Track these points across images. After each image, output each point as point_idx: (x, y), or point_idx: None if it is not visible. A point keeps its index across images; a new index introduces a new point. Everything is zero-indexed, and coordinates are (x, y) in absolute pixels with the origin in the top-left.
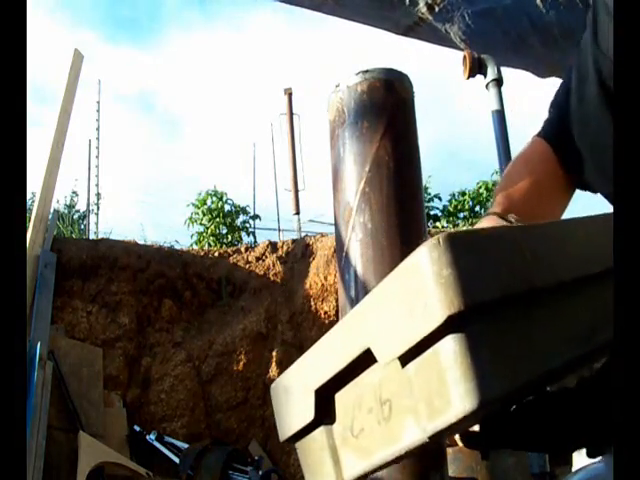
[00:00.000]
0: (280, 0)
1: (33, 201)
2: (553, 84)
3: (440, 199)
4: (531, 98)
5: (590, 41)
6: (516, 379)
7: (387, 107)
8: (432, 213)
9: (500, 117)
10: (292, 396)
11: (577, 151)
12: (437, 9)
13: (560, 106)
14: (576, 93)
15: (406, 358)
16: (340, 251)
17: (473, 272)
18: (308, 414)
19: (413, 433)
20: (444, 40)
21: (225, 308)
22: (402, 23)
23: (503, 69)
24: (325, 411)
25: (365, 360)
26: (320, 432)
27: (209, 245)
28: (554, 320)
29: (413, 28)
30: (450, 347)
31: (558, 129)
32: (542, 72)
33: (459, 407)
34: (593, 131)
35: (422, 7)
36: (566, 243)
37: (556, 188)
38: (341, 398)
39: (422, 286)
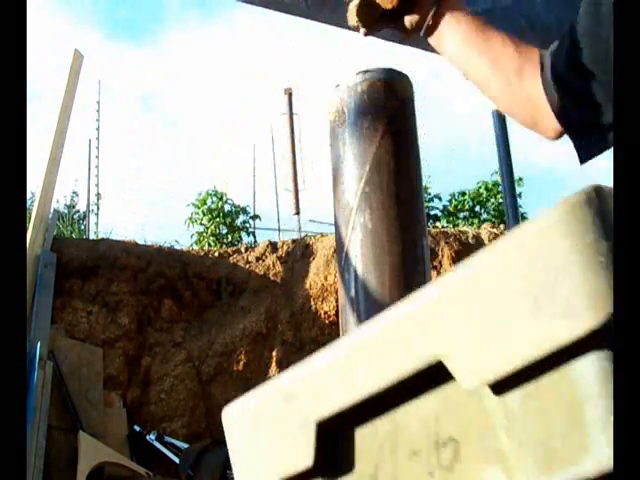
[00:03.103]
0: (275, 9)
1: (33, 201)
2: None
3: (440, 199)
4: None
5: None
6: None
7: (387, 107)
8: (432, 213)
9: (500, 117)
10: (270, 430)
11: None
12: None
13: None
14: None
15: (509, 383)
16: (340, 251)
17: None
18: (306, 457)
19: None
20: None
21: (225, 308)
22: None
23: None
24: (332, 455)
25: (425, 379)
26: None
27: (209, 245)
28: None
29: (410, 35)
30: (596, 370)
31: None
32: None
33: (602, 458)
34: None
35: None
36: None
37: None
38: (363, 438)
39: (559, 268)
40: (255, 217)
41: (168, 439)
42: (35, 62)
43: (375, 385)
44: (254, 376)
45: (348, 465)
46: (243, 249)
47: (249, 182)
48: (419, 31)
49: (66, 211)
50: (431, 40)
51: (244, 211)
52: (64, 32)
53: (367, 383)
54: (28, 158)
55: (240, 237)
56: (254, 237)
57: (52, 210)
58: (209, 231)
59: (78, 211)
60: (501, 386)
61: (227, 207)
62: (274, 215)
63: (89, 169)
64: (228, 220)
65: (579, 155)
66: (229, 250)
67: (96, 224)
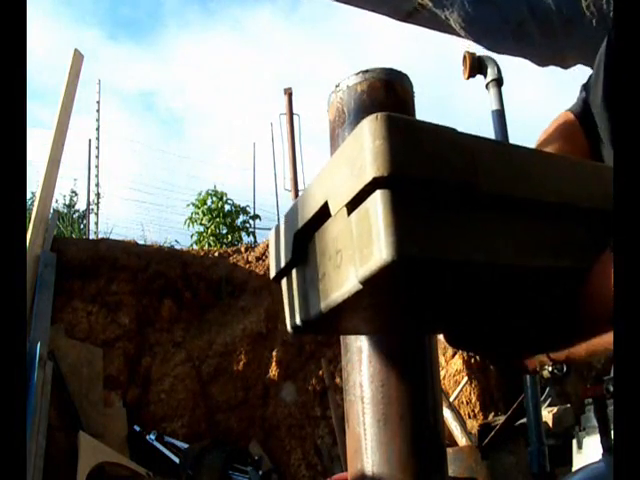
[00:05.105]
0: None
1: (33, 201)
2: (552, 71)
3: None
4: (531, 100)
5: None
6: (432, 250)
7: (387, 107)
8: None
9: (500, 117)
10: (280, 238)
11: (595, 126)
12: None
13: (587, 87)
14: (597, 81)
15: (349, 210)
16: None
17: (401, 148)
18: (287, 256)
19: (352, 279)
20: (443, 26)
21: (225, 308)
22: (402, 8)
23: (504, 58)
24: (301, 254)
25: (326, 212)
26: (296, 273)
27: (209, 245)
28: (491, 225)
29: (412, 14)
30: (375, 203)
31: (583, 106)
32: (541, 60)
33: (378, 257)
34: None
35: None
36: (528, 166)
37: (579, 151)
38: (312, 246)
39: (360, 151)
40: (255, 217)
41: (168, 439)
42: (35, 62)
43: (310, 212)
44: (254, 376)
45: (308, 261)
46: (243, 249)
47: (249, 182)
48: None
49: (65, 211)
50: None
51: (244, 211)
52: (65, 31)
53: (309, 211)
54: (28, 158)
55: (240, 237)
56: (254, 237)
57: (52, 210)
58: (209, 231)
59: (77, 210)
60: (348, 210)
61: (227, 207)
62: (274, 215)
63: (89, 169)
64: (228, 220)
65: None
66: (229, 250)
67: (96, 224)
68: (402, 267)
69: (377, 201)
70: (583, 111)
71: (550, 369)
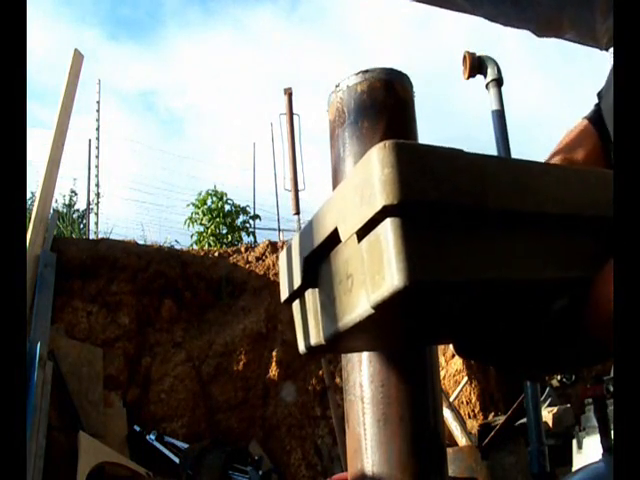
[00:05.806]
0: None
1: (33, 201)
2: (552, 71)
3: None
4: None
5: None
6: (444, 273)
7: (387, 107)
8: None
9: (500, 117)
10: (291, 261)
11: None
12: None
13: (600, 95)
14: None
15: (360, 237)
16: None
17: (410, 175)
18: (298, 279)
19: (363, 303)
20: (442, 1)
21: (225, 308)
22: None
23: (504, 59)
24: (312, 278)
25: (336, 237)
26: (307, 296)
27: (209, 245)
28: (501, 242)
29: None
30: (386, 231)
31: (598, 112)
32: (538, 29)
33: (390, 283)
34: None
35: None
36: (533, 180)
37: (596, 156)
38: (323, 270)
39: (369, 179)
40: (255, 217)
41: (168, 439)
42: (35, 62)
43: (321, 237)
44: (254, 376)
45: (319, 284)
46: (243, 249)
47: (249, 182)
48: None
49: (65, 210)
50: None
51: (244, 211)
52: (65, 31)
53: (319, 237)
54: (28, 158)
55: (240, 237)
56: (254, 237)
57: (52, 210)
58: (209, 231)
59: (77, 210)
60: (358, 237)
61: (227, 207)
62: (274, 215)
63: (89, 169)
64: (228, 220)
65: None
66: (229, 250)
67: (96, 224)
68: (414, 292)
69: (388, 229)
70: (598, 117)
71: (559, 378)
